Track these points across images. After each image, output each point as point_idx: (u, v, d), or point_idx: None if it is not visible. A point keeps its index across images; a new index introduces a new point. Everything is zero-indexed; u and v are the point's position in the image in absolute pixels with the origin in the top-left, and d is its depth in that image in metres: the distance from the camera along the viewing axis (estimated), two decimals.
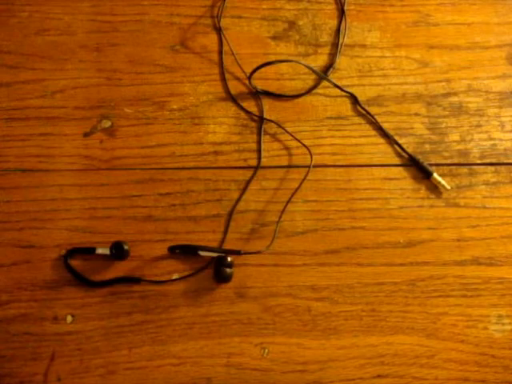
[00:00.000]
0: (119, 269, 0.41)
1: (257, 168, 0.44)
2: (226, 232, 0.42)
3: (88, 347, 0.39)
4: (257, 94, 0.46)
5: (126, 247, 0.40)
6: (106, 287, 0.40)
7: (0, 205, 0.41)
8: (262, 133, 0.45)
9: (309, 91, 0.46)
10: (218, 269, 0.40)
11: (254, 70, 0.44)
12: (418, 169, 0.44)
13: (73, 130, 0.44)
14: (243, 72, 0.46)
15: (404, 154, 0.45)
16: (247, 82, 0.46)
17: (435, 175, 0.43)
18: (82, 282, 0.40)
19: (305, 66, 0.46)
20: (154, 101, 0.45)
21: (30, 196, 0.42)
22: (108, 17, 0.47)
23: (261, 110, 0.45)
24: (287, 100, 0.46)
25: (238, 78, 0.46)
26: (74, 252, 0.40)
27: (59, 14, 0.47)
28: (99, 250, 0.40)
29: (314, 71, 0.46)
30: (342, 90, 0.46)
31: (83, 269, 0.40)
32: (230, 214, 0.42)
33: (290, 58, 0.47)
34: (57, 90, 0.45)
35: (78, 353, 0.39)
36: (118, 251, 0.40)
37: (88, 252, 0.40)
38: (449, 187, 0.43)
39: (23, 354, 0.39)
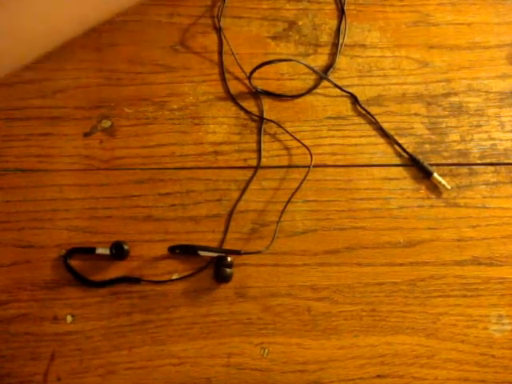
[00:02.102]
0: (119, 269, 0.40)
1: (257, 168, 0.44)
2: (225, 232, 0.42)
3: (88, 347, 0.39)
4: (257, 94, 0.46)
5: (125, 247, 0.40)
6: (106, 287, 0.40)
7: (0, 205, 0.41)
8: (262, 133, 0.45)
9: (309, 91, 0.46)
10: (218, 269, 0.40)
11: (254, 69, 0.44)
12: (419, 169, 0.44)
13: (73, 130, 0.44)
14: (243, 72, 0.46)
15: (404, 153, 0.45)
16: (247, 81, 0.46)
17: (435, 175, 0.43)
18: (82, 282, 0.40)
19: (305, 65, 0.46)
20: (153, 101, 0.45)
21: (30, 196, 0.42)
22: None
23: (261, 110, 0.45)
24: (287, 100, 0.46)
25: (238, 78, 0.46)
26: (73, 252, 0.40)
27: None
28: (99, 250, 0.40)
29: (314, 71, 0.46)
30: (342, 90, 0.46)
31: (83, 269, 0.40)
32: (230, 214, 0.42)
33: (290, 57, 0.47)
34: (57, 90, 0.45)
35: (78, 353, 0.39)
36: (118, 251, 0.40)
37: (88, 252, 0.40)
38: (449, 187, 0.43)
39: (23, 354, 0.39)
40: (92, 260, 0.40)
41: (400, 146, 0.45)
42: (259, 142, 0.44)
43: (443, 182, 0.43)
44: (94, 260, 0.40)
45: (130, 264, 0.41)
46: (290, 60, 0.46)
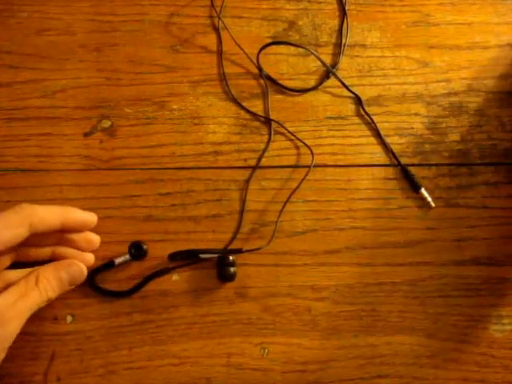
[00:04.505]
0: (120, 271, 0.40)
1: (255, 168, 0.43)
2: (236, 232, 0.42)
3: (88, 347, 0.39)
4: (261, 76, 0.46)
5: (144, 247, 0.40)
6: (134, 293, 0.40)
7: (0, 205, 0.41)
8: (272, 132, 0.45)
9: (315, 87, 0.46)
10: (222, 268, 0.40)
11: (262, 49, 0.45)
12: (409, 182, 0.43)
13: (73, 130, 0.44)
14: (249, 58, 0.46)
15: (404, 153, 0.45)
16: (247, 81, 0.46)
17: (423, 190, 0.43)
18: (113, 295, 0.40)
19: (317, 57, 0.46)
20: (153, 101, 0.45)
21: (30, 196, 0.42)
22: (108, 17, 0.47)
23: (267, 109, 0.45)
24: (287, 100, 0.46)
25: (238, 78, 0.46)
26: (96, 272, 0.40)
27: (59, 14, 0.47)
28: (118, 260, 0.40)
29: (324, 64, 0.46)
30: (349, 89, 0.45)
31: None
32: (242, 213, 0.42)
33: (290, 58, 0.47)
34: (57, 90, 0.45)
35: (78, 353, 0.39)
36: (138, 252, 0.40)
37: (109, 267, 0.40)
38: (433, 205, 0.43)
39: (23, 353, 0.39)
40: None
41: (394, 155, 0.44)
42: (268, 142, 0.44)
43: (429, 198, 0.43)
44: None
45: (130, 265, 0.41)
46: (301, 46, 0.45)
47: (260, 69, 0.46)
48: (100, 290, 0.40)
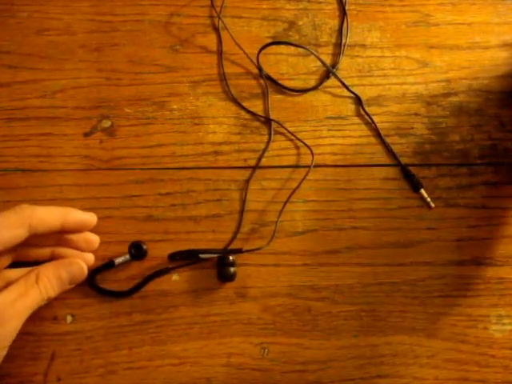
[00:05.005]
0: (120, 271, 0.40)
1: (255, 168, 0.44)
2: (236, 232, 0.42)
3: (88, 347, 0.39)
4: (261, 76, 0.46)
5: (144, 247, 0.40)
6: (134, 294, 0.40)
7: (0, 205, 0.41)
8: (272, 132, 0.45)
9: (315, 87, 0.46)
10: (222, 268, 0.40)
11: (262, 48, 0.45)
12: (409, 182, 0.44)
13: (73, 130, 0.44)
14: (248, 58, 0.46)
15: (405, 154, 0.45)
16: (247, 81, 0.46)
17: (422, 191, 0.43)
18: (113, 295, 0.40)
19: (317, 57, 0.46)
20: (153, 101, 0.45)
21: (30, 196, 0.42)
22: (108, 17, 0.47)
23: (267, 109, 0.45)
24: (287, 100, 0.46)
25: (238, 78, 0.46)
26: (96, 273, 0.40)
27: (59, 14, 0.47)
28: (118, 260, 0.40)
29: (324, 64, 0.46)
30: (349, 89, 0.45)
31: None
32: (241, 213, 0.42)
33: (290, 58, 0.47)
34: (57, 90, 0.45)
35: (78, 353, 0.39)
36: (138, 252, 0.40)
37: (108, 267, 0.40)
38: (433, 205, 0.43)
39: (23, 353, 0.39)
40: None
41: (394, 155, 0.44)
42: (267, 142, 0.44)
43: (429, 198, 0.43)
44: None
45: (130, 265, 0.41)
46: (301, 46, 0.45)
47: (260, 69, 0.46)
48: (100, 290, 0.40)
